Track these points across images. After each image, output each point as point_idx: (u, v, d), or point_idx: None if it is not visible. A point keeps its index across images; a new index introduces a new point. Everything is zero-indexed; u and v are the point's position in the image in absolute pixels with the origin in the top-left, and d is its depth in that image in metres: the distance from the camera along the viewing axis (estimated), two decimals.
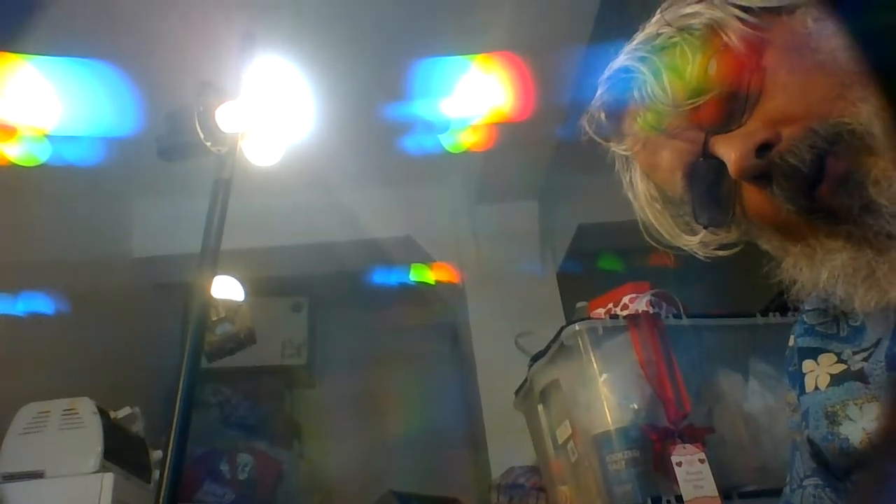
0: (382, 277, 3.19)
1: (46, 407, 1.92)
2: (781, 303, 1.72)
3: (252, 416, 3.36)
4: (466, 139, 2.65)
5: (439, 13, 2.33)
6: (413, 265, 3.14)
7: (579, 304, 2.19)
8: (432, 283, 3.11)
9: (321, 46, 2.22)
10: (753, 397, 1.72)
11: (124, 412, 2.01)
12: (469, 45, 2.37)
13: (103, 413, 1.92)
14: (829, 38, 0.64)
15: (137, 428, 2.06)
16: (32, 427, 1.88)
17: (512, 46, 2.28)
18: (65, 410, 1.91)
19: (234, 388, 3.36)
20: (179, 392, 1.19)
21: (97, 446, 1.83)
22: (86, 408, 1.91)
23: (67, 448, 1.83)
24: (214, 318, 1.59)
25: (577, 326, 1.81)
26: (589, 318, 1.87)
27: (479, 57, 2.37)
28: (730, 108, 0.68)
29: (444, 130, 2.61)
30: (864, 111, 0.61)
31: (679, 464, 1.55)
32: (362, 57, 2.43)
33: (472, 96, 2.47)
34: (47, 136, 2.10)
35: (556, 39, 2.23)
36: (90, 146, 2.25)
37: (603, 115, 0.81)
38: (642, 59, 0.74)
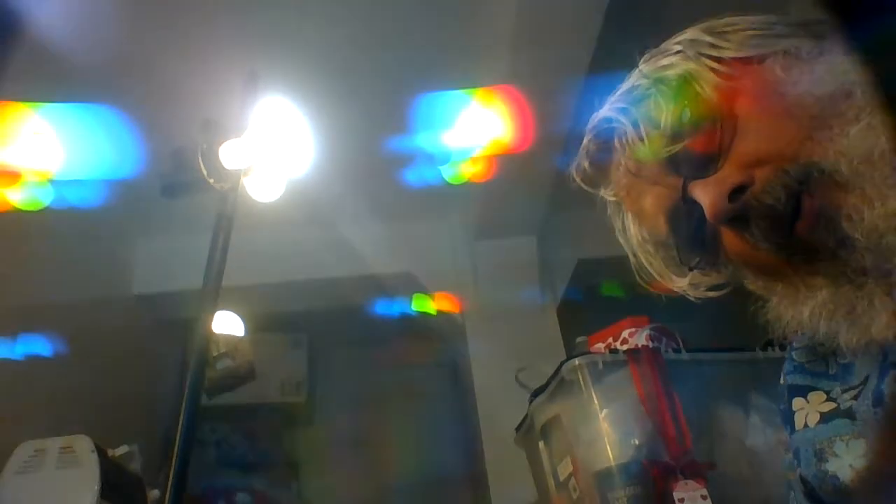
0: (382, 313, 3.19)
1: (43, 445, 1.90)
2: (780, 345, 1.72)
3: (250, 454, 3.33)
4: (466, 171, 2.68)
5: (439, 49, 2.38)
6: (413, 298, 3.15)
7: (579, 339, 2.19)
8: (433, 313, 3.11)
9: (322, 83, 2.26)
10: (755, 432, 1.71)
11: (122, 450, 1.99)
12: (468, 80, 2.42)
13: (101, 451, 1.90)
14: (795, 84, 0.68)
15: (135, 466, 2.04)
16: (28, 466, 1.86)
17: (510, 81, 2.32)
18: (62, 449, 1.89)
19: (233, 427, 3.34)
20: (179, 428, 1.19)
21: (94, 485, 1.81)
22: (83, 446, 1.89)
23: (64, 487, 1.81)
24: (215, 354, 1.58)
25: (576, 361, 1.81)
26: (589, 353, 1.87)
27: (477, 91, 2.41)
28: (705, 154, 0.71)
29: (444, 163, 2.64)
30: (832, 151, 0.64)
31: (681, 500, 1.54)
32: (362, 93, 2.47)
33: (472, 129, 2.50)
34: (51, 181, 2.13)
35: (554, 74, 2.27)
36: (93, 188, 2.27)
37: (588, 164, 0.85)
38: (622, 111, 0.77)
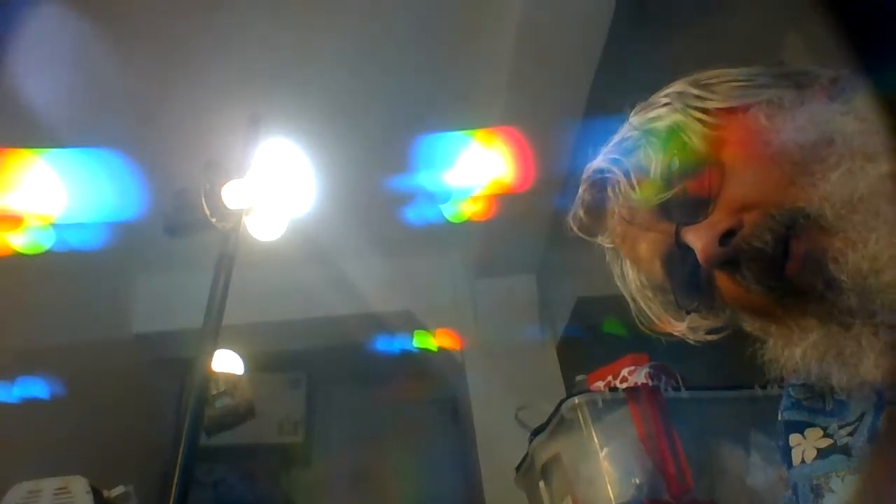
0: (381, 352, 3.18)
1: (38, 486, 1.88)
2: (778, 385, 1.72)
3: (248, 495, 3.29)
4: (466, 210, 2.70)
5: (438, 90, 2.43)
6: (413, 335, 3.14)
7: (578, 378, 2.18)
8: (433, 350, 3.10)
9: (323, 125, 2.30)
10: (755, 471, 1.70)
11: (118, 491, 1.97)
12: (467, 121, 2.46)
13: (96, 492, 1.88)
14: (779, 132, 0.70)
15: None
16: None
17: (508, 122, 2.36)
18: (57, 489, 1.87)
19: (230, 467, 3.30)
20: (177, 468, 1.19)
21: None
22: (78, 486, 1.88)
23: None
24: (214, 392, 1.58)
25: (576, 400, 1.80)
26: (588, 392, 1.87)
27: (477, 132, 2.45)
28: (695, 200, 0.73)
29: (445, 202, 2.66)
30: (815, 196, 0.66)
31: None
32: (363, 134, 2.51)
33: (472, 169, 2.54)
34: (53, 224, 2.15)
35: (551, 115, 2.32)
36: (95, 230, 2.29)
37: (583, 213, 0.88)
38: (614, 161, 0.80)
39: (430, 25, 2.24)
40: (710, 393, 1.87)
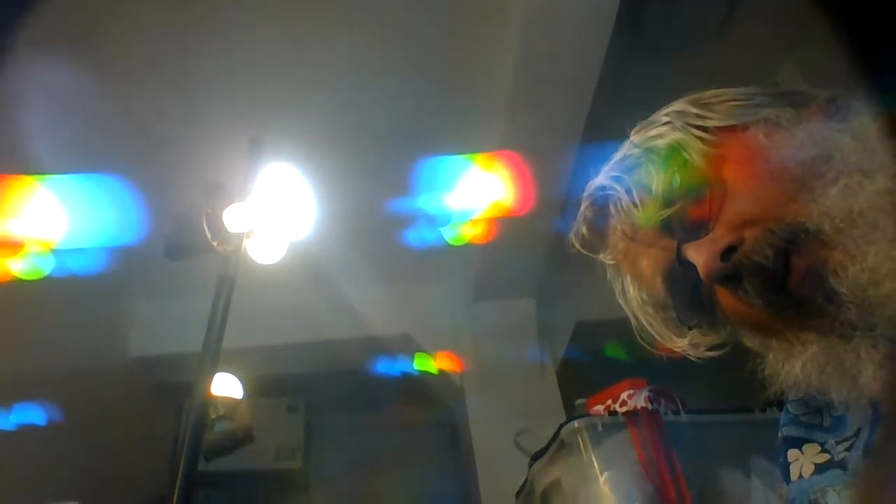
0: (380, 375, 3.17)
1: None
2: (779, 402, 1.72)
3: None
4: (466, 233, 2.71)
5: (438, 115, 2.45)
6: (413, 358, 3.14)
7: (578, 402, 2.18)
8: (432, 374, 3.09)
9: (324, 148, 2.32)
10: (756, 495, 1.69)
11: None
12: (467, 145, 2.48)
13: None
14: (777, 150, 0.72)
15: None
16: None
17: (508, 146, 2.38)
18: None
19: (228, 493, 3.27)
20: (175, 494, 1.18)
21: None
22: None
23: None
24: (213, 416, 1.57)
25: (576, 424, 1.80)
26: (588, 416, 1.86)
27: (477, 156, 2.47)
28: (696, 216, 0.74)
29: (444, 225, 2.68)
30: (815, 211, 0.68)
31: None
32: (363, 158, 2.53)
33: (471, 193, 2.55)
34: (53, 250, 2.15)
35: (550, 140, 2.34)
36: (95, 255, 2.30)
37: (586, 230, 0.89)
38: (616, 178, 0.82)
39: (429, 51, 2.27)
40: (710, 417, 1.87)
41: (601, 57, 2.08)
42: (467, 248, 2.82)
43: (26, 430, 2.19)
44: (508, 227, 2.64)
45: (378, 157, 2.52)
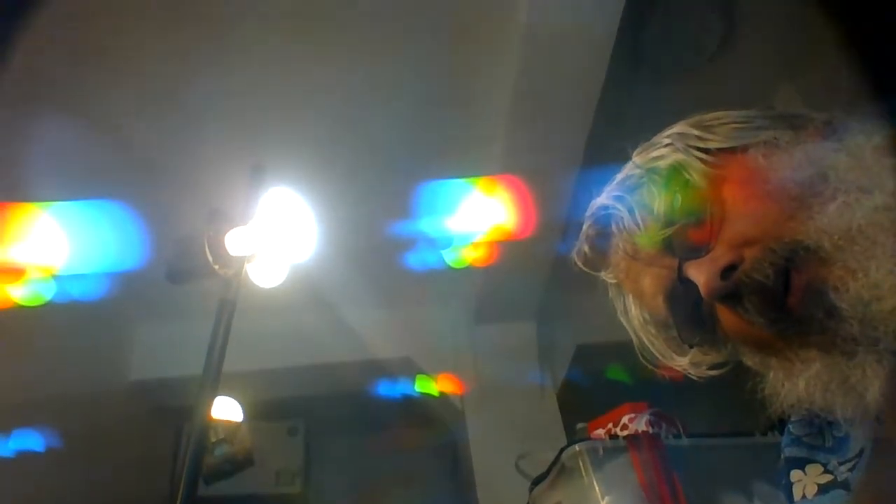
0: (381, 399, 3.16)
1: None
2: (780, 422, 1.72)
3: None
4: (467, 256, 2.72)
5: (438, 139, 2.47)
6: (414, 381, 3.13)
7: (579, 426, 2.17)
8: (433, 396, 3.08)
9: (325, 173, 2.33)
10: None
11: None
12: (468, 168, 2.49)
13: None
14: (776, 170, 0.73)
15: None
16: None
17: (509, 170, 2.40)
18: None
19: None
20: None
21: None
22: None
23: None
24: (213, 440, 1.57)
25: (577, 447, 1.80)
26: (589, 440, 1.86)
27: (478, 180, 2.48)
28: (697, 235, 0.76)
29: (446, 248, 2.69)
30: (813, 229, 0.69)
31: None
32: (364, 182, 2.54)
33: (472, 216, 2.56)
34: (54, 276, 2.16)
35: (551, 163, 2.35)
36: (96, 281, 2.30)
37: (588, 249, 0.90)
38: (618, 198, 0.83)
39: (429, 73, 2.29)
40: (711, 440, 1.86)
41: (601, 79, 2.10)
42: (468, 271, 2.82)
43: (26, 456, 2.18)
44: (509, 250, 2.65)
45: (379, 180, 2.53)
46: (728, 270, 0.72)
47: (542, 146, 2.31)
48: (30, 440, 2.21)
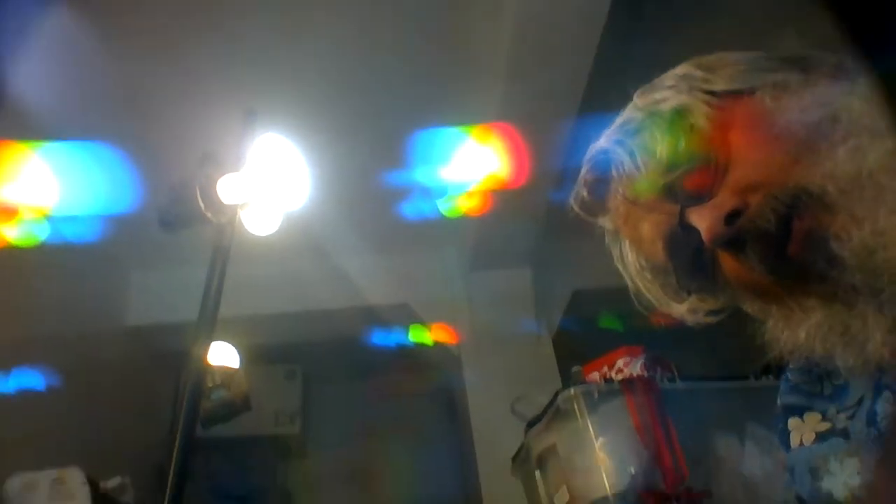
0: (378, 344, 3.18)
1: (34, 478, 1.89)
2: (777, 367, 1.73)
3: (243, 486, 3.29)
4: (462, 205, 2.70)
5: (434, 85, 2.42)
6: (409, 330, 3.15)
7: (574, 369, 2.19)
8: (429, 344, 3.11)
9: (319, 119, 2.29)
10: (751, 461, 1.71)
11: (114, 482, 1.98)
12: (463, 115, 2.45)
13: (93, 483, 1.89)
14: (784, 113, 0.71)
15: (128, 498, 2.03)
16: (21, 498, 1.84)
17: (505, 117, 2.36)
18: (53, 481, 1.88)
19: (226, 459, 3.30)
20: (173, 460, 1.18)
21: None
22: (75, 478, 1.89)
23: None
24: (210, 385, 1.58)
25: (572, 391, 1.82)
26: (584, 383, 1.88)
27: (473, 127, 2.44)
28: (700, 181, 0.73)
29: (440, 197, 2.66)
30: (819, 174, 0.67)
31: None
32: (359, 129, 2.50)
33: (468, 165, 2.53)
34: (47, 217, 2.14)
35: (548, 109, 2.31)
36: (90, 223, 2.28)
37: (586, 192, 0.87)
38: (618, 142, 0.80)
39: (425, 18, 2.23)
40: (705, 384, 1.89)
41: (600, 25, 2.05)
42: (464, 219, 2.81)
43: (26, 396, 2.20)
44: (505, 198, 2.62)
45: (373, 127, 2.49)
46: (732, 216, 0.70)
47: (539, 94, 2.27)
48: (30, 379, 2.22)
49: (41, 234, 2.15)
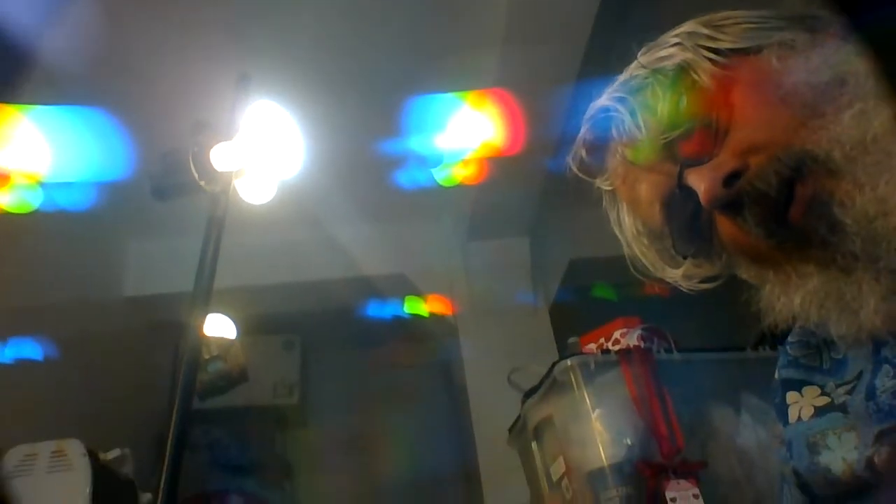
0: (374, 315, 3.18)
1: (34, 449, 1.89)
2: (772, 336, 1.74)
3: (242, 457, 3.32)
4: (458, 173, 2.68)
5: (429, 51, 2.38)
6: (405, 300, 3.15)
7: (571, 340, 2.19)
8: (425, 315, 3.11)
9: (313, 87, 2.26)
10: (746, 432, 1.72)
11: (114, 454, 1.98)
12: (459, 82, 2.42)
13: (92, 455, 1.89)
14: (791, 74, 0.69)
15: (127, 470, 2.03)
16: (19, 470, 1.84)
17: (501, 83, 2.33)
18: (53, 453, 1.88)
19: (225, 429, 3.32)
20: (171, 431, 1.19)
21: (85, 489, 1.80)
22: (74, 450, 1.89)
23: (55, 492, 1.80)
24: (207, 357, 1.58)
25: (569, 362, 1.82)
26: (581, 354, 1.88)
27: (468, 94, 2.41)
28: (701, 141, 0.72)
29: (436, 165, 2.64)
30: (825, 138, 0.65)
31: (673, 500, 1.54)
32: (353, 96, 2.47)
33: (463, 132, 2.51)
34: (40, 183, 2.11)
35: (545, 75, 2.28)
36: (83, 191, 2.26)
37: (585, 152, 0.86)
38: (620, 100, 0.79)
39: None
40: (701, 354, 1.89)
41: None
42: (460, 188, 2.79)
43: (23, 366, 2.20)
44: (502, 166, 2.60)
45: (369, 94, 2.46)
46: (731, 178, 0.69)
47: (537, 60, 2.23)
48: (28, 348, 2.22)
49: (34, 200, 2.13)
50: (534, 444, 2.01)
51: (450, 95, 2.42)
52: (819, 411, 0.78)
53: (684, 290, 0.87)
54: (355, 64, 2.41)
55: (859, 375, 0.75)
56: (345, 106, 2.45)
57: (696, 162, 0.72)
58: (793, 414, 0.82)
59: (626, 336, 1.99)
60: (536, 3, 2.07)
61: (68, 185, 2.20)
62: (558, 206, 2.92)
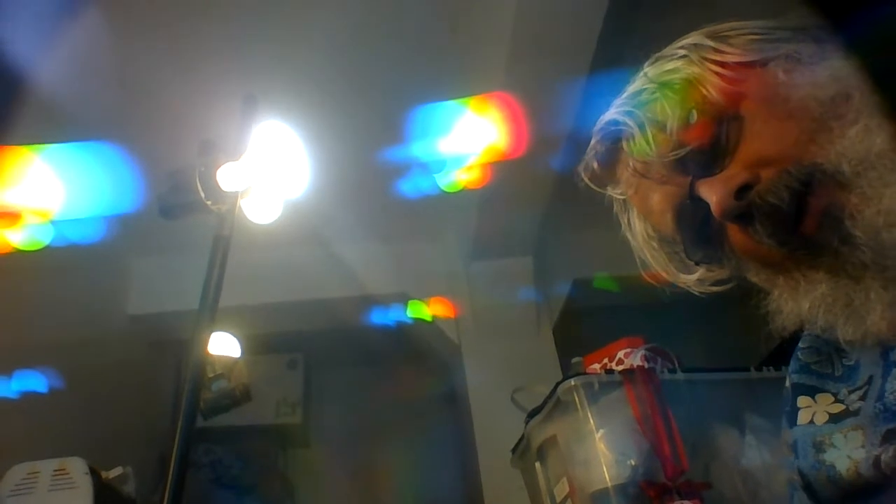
0: (379, 334, 3.18)
1: (36, 468, 1.89)
2: (777, 355, 1.73)
3: (245, 476, 3.30)
4: (461, 180, 2.66)
5: (437, 62, 2.38)
6: (410, 319, 3.14)
7: (574, 360, 2.19)
8: (429, 320, 3.09)
9: (319, 105, 2.28)
10: (750, 453, 1.71)
11: (116, 472, 1.98)
12: (467, 88, 2.42)
13: (95, 473, 1.89)
14: (797, 88, 0.70)
15: (129, 488, 2.03)
16: (22, 489, 1.84)
17: (507, 90, 2.32)
18: (55, 471, 1.88)
19: (227, 448, 3.31)
20: (174, 450, 1.18)
21: None
22: (77, 468, 1.89)
23: None
24: (210, 375, 1.58)
25: (572, 382, 1.81)
26: (584, 374, 1.88)
27: (473, 100, 2.41)
28: (712, 154, 0.73)
29: (439, 172, 2.63)
30: (833, 152, 0.67)
31: None
32: (359, 115, 2.49)
33: (468, 139, 2.50)
34: (51, 221, 2.13)
35: (552, 83, 2.26)
36: (93, 224, 2.27)
37: (596, 165, 0.87)
38: (629, 114, 0.80)
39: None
40: (705, 375, 1.88)
41: None
42: (464, 205, 2.79)
43: (28, 396, 2.20)
44: (505, 180, 2.59)
45: (374, 111, 2.47)
46: (743, 190, 0.70)
47: (545, 64, 2.21)
48: (32, 381, 2.23)
49: (45, 238, 2.14)
50: (537, 465, 2.00)
51: (455, 103, 2.41)
52: (833, 418, 0.79)
53: (696, 293, 0.88)
54: (360, 82, 2.42)
55: (870, 380, 0.76)
56: (350, 125, 2.46)
57: (707, 173, 0.73)
58: (804, 417, 0.82)
59: (629, 356, 1.99)
60: (544, 6, 2.05)
61: (78, 220, 2.21)
62: (561, 226, 2.93)
